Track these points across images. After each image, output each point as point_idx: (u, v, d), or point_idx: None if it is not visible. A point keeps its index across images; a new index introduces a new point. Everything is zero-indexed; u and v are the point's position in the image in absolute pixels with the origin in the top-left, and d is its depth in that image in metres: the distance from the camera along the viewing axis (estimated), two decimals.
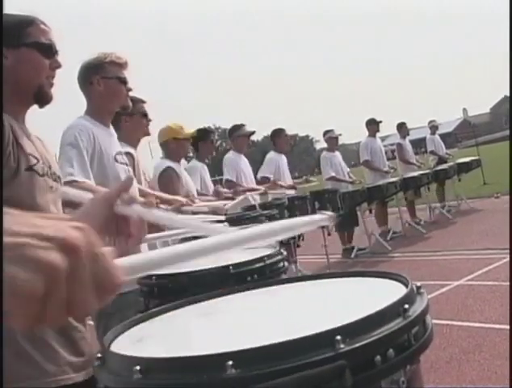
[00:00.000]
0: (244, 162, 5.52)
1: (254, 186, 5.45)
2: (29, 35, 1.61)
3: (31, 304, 0.44)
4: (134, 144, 3.07)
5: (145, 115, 3.21)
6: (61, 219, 0.50)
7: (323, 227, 6.19)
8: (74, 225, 0.49)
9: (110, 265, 0.51)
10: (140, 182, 2.84)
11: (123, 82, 2.51)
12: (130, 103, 2.64)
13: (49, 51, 1.64)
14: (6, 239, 0.44)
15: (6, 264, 0.43)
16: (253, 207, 4.68)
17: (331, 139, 7.86)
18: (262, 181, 5.92)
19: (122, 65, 2.51)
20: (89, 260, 0.48)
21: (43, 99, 1.64)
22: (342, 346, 0.71)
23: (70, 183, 2.15)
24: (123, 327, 1.00)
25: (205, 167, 4.76)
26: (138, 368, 0.75)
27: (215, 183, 5.73)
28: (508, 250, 5.12)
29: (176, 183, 3.65)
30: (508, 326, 3.49)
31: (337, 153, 7.90)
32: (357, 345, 0.72)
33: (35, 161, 1.52)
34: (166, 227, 1.03)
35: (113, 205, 0.87)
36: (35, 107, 1.65)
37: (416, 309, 0.82)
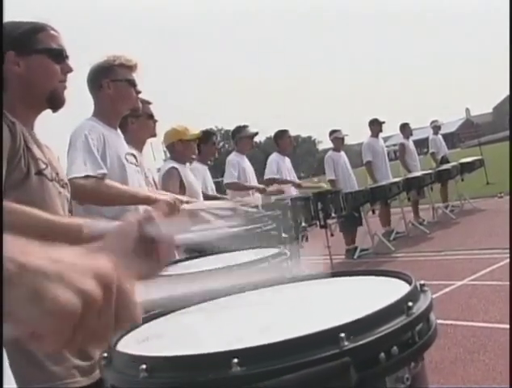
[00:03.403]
0: (247, 164, 5.53)
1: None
2: (40, 42, 1.63)
3: (66, 326, 0.46)
4: (139, 146, 3.07)
5: (152, 116, 3.21)
6: (92, 252, 0.53)
7: (326, 227, 6.20)
8: (107, 259, 0.52)
9: (133, 301, 0.53)
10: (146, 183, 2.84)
11: (133, 84, 2.52)
12: (140, 105, 2.66)
13: (60, 56, 1.66)
14: (50, 266, 0.46)
15: (49, 286, 0.45)
16: (255, 207, 4.68)
17: (337, 139, 7.84)
18: (268, 183, 5.94)
19: (131, 68, 2.53)
20: (117, 294, 0.50)
21: (56, 102, 1.66)
22: (346, 343, 0.71)
23: (83, 178, 2.18)
24: (129, 327, 1.01)
25: (207, 169, 4.77)
26: (144, 367, 0.76)
27: (217, 184, 5.73)
28: None
29: (174, 183, 3.63)
30: None
31: (343, 153, 7.88)
32: (361, 342, 0.73)
33: (44, 165, 1.54)
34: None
35: (143, 228, 0.91)
36: (44, 113, 1.67)
37: (420, 307, 0.82)
